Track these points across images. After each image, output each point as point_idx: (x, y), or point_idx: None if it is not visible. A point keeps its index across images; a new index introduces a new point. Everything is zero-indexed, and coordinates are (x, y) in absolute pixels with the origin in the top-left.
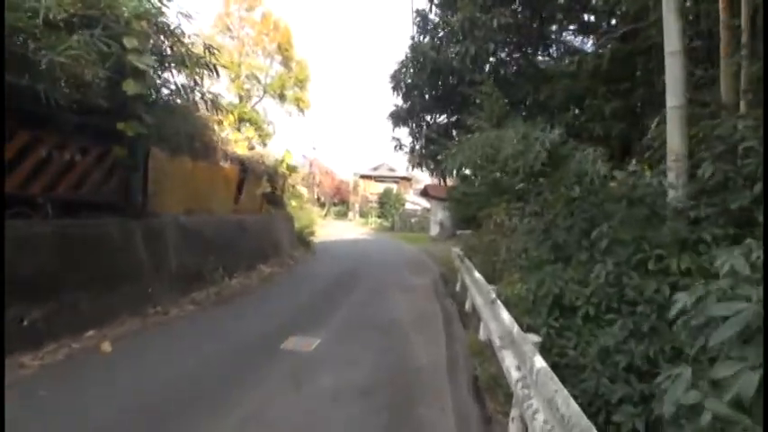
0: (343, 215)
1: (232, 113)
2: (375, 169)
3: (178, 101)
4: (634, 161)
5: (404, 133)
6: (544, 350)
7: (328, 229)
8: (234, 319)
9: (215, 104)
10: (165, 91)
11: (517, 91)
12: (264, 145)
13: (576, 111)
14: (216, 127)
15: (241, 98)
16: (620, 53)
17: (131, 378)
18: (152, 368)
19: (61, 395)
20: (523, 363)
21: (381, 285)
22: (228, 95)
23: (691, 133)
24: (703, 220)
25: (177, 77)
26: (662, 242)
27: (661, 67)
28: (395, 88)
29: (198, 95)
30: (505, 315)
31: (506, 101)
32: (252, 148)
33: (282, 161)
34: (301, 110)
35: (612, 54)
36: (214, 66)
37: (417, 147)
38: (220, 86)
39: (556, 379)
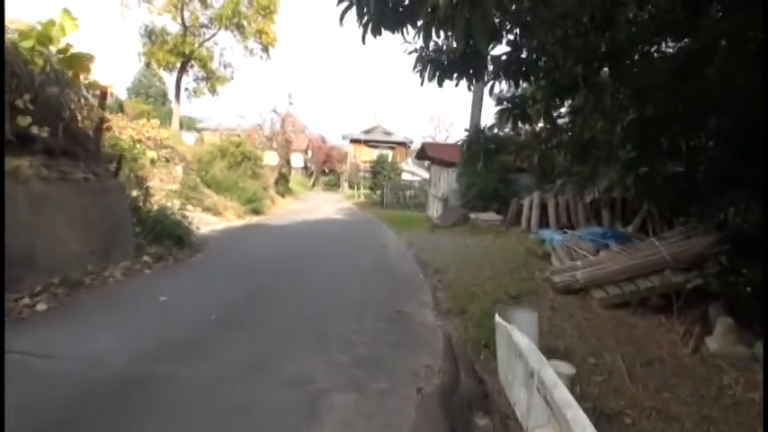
0: (334, 185)
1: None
2: (367, 132)
3: None
4: None
5: None
6: None
7: (298, 204)
8: None
9: None
10: None
11: None
12: (214, 91)
13: None
14: None
15: (186, 29)
16: None
17: None
18: None
19: None
20: None
21: None
22: (169, 24)
23: None
24: None
25: None
26: None
27: None
28: None
29: None
30: None
31: None
32: None
33: (44, 37)
34: (265, 47)
35: None
36: None
37: None
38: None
39: None
